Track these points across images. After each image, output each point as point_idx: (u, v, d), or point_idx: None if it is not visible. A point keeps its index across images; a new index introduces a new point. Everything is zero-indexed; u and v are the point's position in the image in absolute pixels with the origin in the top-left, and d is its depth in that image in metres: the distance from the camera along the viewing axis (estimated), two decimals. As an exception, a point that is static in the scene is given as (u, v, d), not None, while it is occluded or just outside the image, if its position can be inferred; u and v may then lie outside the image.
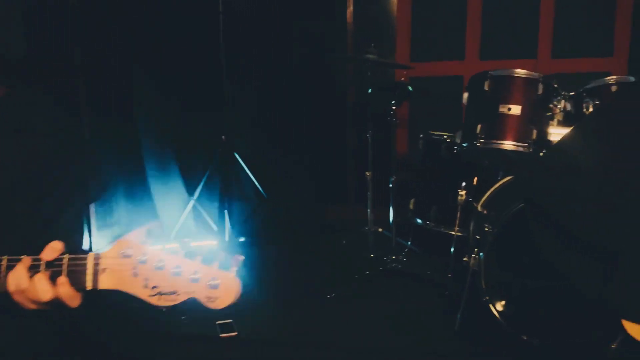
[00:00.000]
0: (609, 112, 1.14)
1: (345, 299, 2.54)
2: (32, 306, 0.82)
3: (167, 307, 0.80)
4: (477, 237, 2.29)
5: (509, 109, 2.19)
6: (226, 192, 3.40)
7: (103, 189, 3.32)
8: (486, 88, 2.24)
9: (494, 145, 2.21)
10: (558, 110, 2.16)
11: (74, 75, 2.95)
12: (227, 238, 3.37)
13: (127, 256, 0.82)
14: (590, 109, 1.98)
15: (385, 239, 3.08)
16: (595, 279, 1.02)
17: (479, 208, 2.32)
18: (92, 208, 3.25)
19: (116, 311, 1.62)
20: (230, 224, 3.43)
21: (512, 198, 2.07)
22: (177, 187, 3.58)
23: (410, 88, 2.71)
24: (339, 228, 3.58)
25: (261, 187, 3.59)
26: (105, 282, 0.82)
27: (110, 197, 3.38)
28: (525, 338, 2.04)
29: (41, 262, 0.83)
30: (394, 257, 2.76)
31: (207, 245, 3.20)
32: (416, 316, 2.38)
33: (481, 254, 2.11)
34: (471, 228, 2.42)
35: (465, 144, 2.33)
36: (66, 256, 0.83)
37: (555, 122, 2.17)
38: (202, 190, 3.39)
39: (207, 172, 3.38)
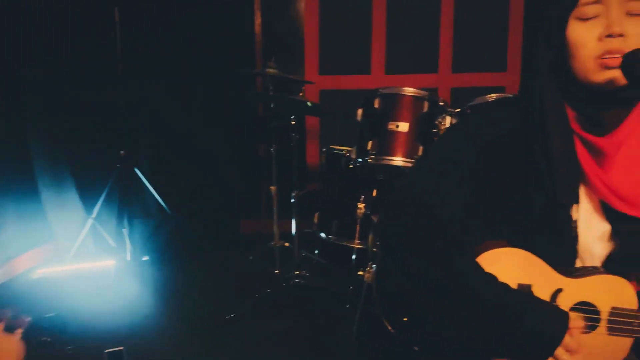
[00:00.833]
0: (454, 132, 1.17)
1: (245, 318, 2.49)
2: None
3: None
4: (375, 249, 2.33)
5: (397, 126, 2.25)
6: (126, 209, 3.26)
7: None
8: (376, 105, 2.30)
9: (385, 162, 2.26)
10: (442, 127, 2.24)
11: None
12: (128, 257, 3.22)
13: None
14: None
15: (295, 253, 3.07)
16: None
17: (376, 220, 2.37)
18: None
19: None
20: (133, 243, 3.29)
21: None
22: (74, 206, 3.38)
23: (309, 104, 2.71)
24: (252, 242, 3.53)
25: (171, 202, 3.47)
26: None
27: (-4, 218, 3.13)
28: (417, 349, 2.09)
29: None
30: (297, 272, 2.74)
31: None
32: (315, 331, 2.38)
33: (374, 266, 2.14)
34: (369, 241, 2.46)
35: (359, 160, 2.37)
36: None
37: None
38: (101, 208, 3.22)
39: (107, 189, 3.22)
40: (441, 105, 2.32)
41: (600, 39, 0.95)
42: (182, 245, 3.48)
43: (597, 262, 1.08)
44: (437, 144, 1.15)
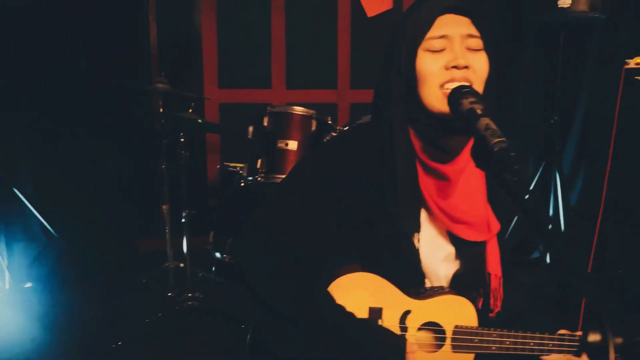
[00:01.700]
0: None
1: (134, 345, 2.37)
2: None
3: None
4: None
5: (287, 144, 2.26)
6: (2, 232, 2.99)
7: None
8: (265, 124, 2.29)
9: (274, 180, 2.27)
10: (330, 146, 2.28)
11: None
12: (7, 285, 2.96)
13: None
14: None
15: (191, 274, 2.97)
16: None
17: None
18: None
19: None
20: (13, 269, 3.03)
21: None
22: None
23: (199, 120, 2.66)
24: (149, 263, 3.37)
25: (59, 224, 3.23)
26: None
27: None
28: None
29: None
30: (190, 294, 2.66)
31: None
32: (209, 355, 2.31)
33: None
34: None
35: (250, 178, 2.35)
36: None
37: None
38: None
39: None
40: (329, 124, 2.36)
41: (446, 69, 1.01)
42: (71, 269, 3.25)
43: (444, 282, 1.14)
44: (294, 172, 1.17)
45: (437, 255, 1.12)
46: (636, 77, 2.58)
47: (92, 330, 2.57)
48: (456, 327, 1.07)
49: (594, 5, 3.09)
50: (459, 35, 1.02)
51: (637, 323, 1.04)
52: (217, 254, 2.77)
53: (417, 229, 1.07)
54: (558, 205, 3.47)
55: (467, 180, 1.11)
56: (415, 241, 1.07)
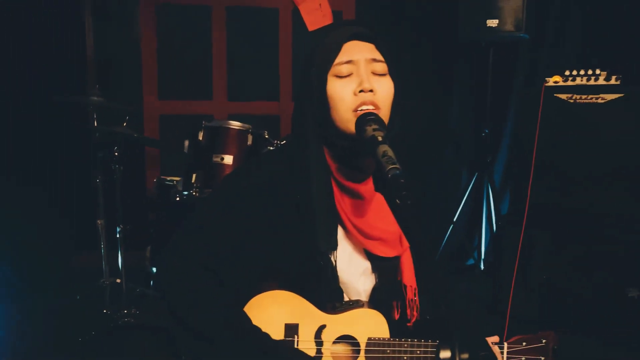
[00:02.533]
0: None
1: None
2: None
3: None
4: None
5: (222, 159, 2.27)
6: None
7: None
8: (200, 138, 2.30)
9: (208, 194, 2.26)
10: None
11: None
12: None
13: None
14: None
15: (128, 290, 2.91)
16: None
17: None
18: None
19: None
20: None
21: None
22: None
23: (135, 135, 2.62)
24: (86, 278, 3.26)
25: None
26: None
27: None
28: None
29: None
30: (125, 311, 2.61)
31: None
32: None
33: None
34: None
35: (185, 192, 2.34)
36: None
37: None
38: None
39: None
40: (266, 138, 2.39)
41: (355, 94, 1.07)
42: (1, 287, 3.11)
43: (364, 296, 1.19)
44: (215, 192, 1.19)
45: (354, 271, 1.17)
46: (555, 95, 2.78)
47: (23, 350, 2.47)
48: (369, 339, 1.12)
49: (519, 26, 3.29)
50: (364, 60, 1.09)
51: (481, 340, 1.14)
52: (154, 269, 2.73)
53: (335, 246, 1.12)
54: (491, 214, 3.65)
55: (380, 198, 1.17)
56: (333, 258, 1.11)
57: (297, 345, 1.10)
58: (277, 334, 1.09)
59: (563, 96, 2.73)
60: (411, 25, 3.97)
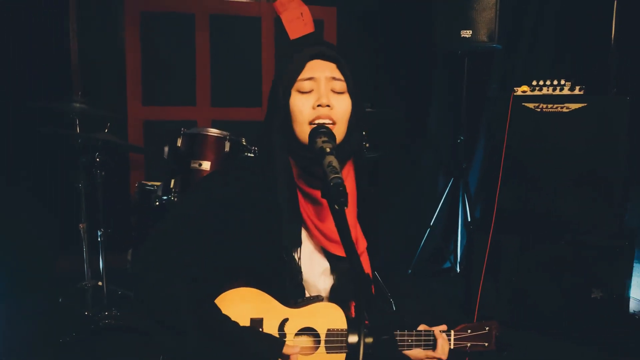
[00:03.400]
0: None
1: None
2: None
3: None
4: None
5: (200, 165, 2.35)
6: None
7: None
8: (179, 144, 2.37)
9: (189, 198, 2.33)
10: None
11: None
12: None
13: None
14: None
15: (109, 293, 2.96)
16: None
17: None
18: None
19: None
20: None
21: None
22: None
23: (118, 141, 2.69)
24: (69, 281, 3.30)
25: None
26: None
27: None
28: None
29: None
30: (106, 312, 2.66)
31: None
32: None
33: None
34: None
35: (164, 197, 2.41)
36: None
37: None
38: None
39: None
40: (243, 144, 2.47)
41: (313, 107, 1.17)
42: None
43: (324, 294, 1.28)
44: (187, 195, 1.28)
45: (315, 271, 1.26)
46: (523, 104, 2.90)
47: (4, 352, 2.52)
48: (328, 330, 1.21)
49: (491, 36, 3.42)
50: (324, 78, 1.19)
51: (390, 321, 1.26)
52: (136, 272, 2.79)
53: (298, 244, 1.21)
54: (467, 217, 3.77)
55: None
56: (296, 255, 1.20)
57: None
58: (243, 327, 1.17)
59: (530, 105, 2.86)
60: (391, 34, 4.10)
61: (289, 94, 1.20)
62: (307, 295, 1.26)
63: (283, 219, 1.19)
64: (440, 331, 1.28)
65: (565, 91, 2.79)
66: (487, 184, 3.01)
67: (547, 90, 2.84)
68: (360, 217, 1.29)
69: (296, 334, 1.21)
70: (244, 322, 1.18)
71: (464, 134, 3.77)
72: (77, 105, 2.72)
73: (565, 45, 3.64)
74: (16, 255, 3.38)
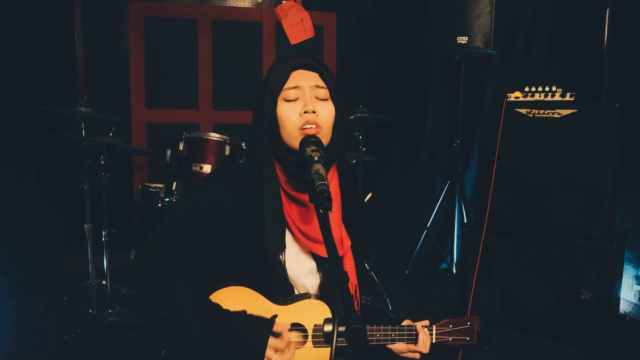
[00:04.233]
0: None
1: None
2: None
3: None
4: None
5: (201, 168, 2.44)
6: None
7: None
8: (181, 148, 2.46)
9: (189, 200, 2.42)
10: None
11: None
12: None
13: None
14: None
15: (112, 291, 3.05)
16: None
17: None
18: None
19: None
20: None
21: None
22: None
23: (122, 145, 2.78)
24: (74, 280, 3.40)
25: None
26: None
27: None
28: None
29: None
30: (110, 310, 2.75)
31: None
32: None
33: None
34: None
35: (166, 199, 2.50)
36: None
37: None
38: None
39: None
40: (243, 148, 2.56)
41: (300, 114, 1.25)
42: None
43: (312, 292, 1.36)
44: (180, 199, 1.36)
45: (302, 270, 1.34)
46: (516, 109, 2.97)
47: (10, 348, 2.61)
48: (315, 326, 1.29)
49: (487, 42, 3.49)
50: (308, 86, 1.27)
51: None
52: (138, 271, 2.88)
53: (283, 248, 1.29)
54: (463, 219, 3.84)
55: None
56: (281, 258, 1.28)
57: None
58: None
59: (523, 111, 2.93)
60: (389, 40, 4.18)
61: (276, 103, 1.28)
62: (296, 292, 1.34)
63: (268, 223, 1.27)
64: (422, 326, 1.35)
65: (557, 97, 2.86)
66: (480, 187, 3.08)
67: (539, 97, 2.91)
68: (345, 218, 1.37)
69: (285, 330, 1.29)
70: (235, 318, 1.26)
71: (460, 138, 3.84)
72: (83, 109, 2.81)
73: (559, 51, 3.71)
74: (23, 255, 3.48)
